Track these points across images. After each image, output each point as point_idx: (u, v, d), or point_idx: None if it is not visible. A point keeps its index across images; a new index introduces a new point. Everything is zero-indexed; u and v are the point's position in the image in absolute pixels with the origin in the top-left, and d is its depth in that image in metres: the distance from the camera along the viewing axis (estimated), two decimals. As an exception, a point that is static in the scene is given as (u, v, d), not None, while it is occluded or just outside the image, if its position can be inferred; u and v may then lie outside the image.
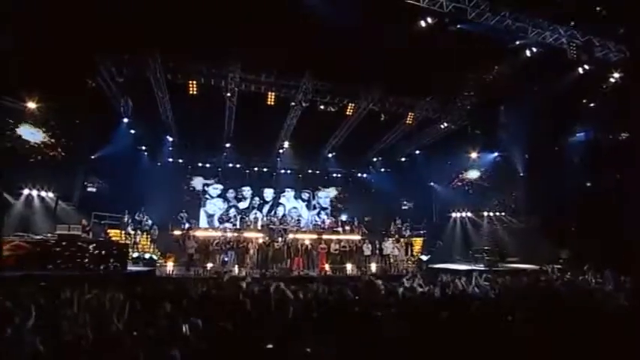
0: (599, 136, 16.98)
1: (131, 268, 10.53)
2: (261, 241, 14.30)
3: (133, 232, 13.30)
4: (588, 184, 17.92)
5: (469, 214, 19.13)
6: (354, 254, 15.03)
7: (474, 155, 18.96)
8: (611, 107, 14.47)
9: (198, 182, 18.54)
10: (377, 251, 15.15)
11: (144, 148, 16.38)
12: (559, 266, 9.96)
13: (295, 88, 13.42)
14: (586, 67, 11.36)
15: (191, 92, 12.13)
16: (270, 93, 13.03)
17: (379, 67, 12.29)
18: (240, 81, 12.69)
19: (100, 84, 11.95)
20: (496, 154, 18.53)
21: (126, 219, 13.41)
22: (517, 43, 10.25)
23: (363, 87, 13.73)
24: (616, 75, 12.16)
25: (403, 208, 21.12)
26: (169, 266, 12.32)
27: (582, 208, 17.55)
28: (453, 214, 19.57)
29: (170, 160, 17.41)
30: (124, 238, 12.97)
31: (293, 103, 13.60)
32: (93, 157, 14.34)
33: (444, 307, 5.14)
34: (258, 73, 12.74)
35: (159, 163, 16.97)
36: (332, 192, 21.80)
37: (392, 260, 14.70)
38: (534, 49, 10.38)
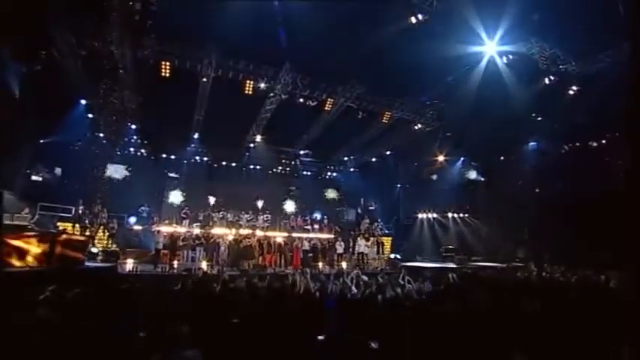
0: (548, 147, 18.54)
1: (89, 264, 9.41)
2: (230, 237, 13.62)
3: (89, 226, 11.98)
4: (537, 190, 19.47)
5: (435, 215, 19.82)
6: (326, 252, 14.85)
7: (440, 158, 19.74)
8: (562, 120, 15.74)
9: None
10: (350, 249, 15.12)
11: (102, 135, 14.87)
12: (528, 263, 10.53)
13: (274, 79, 12.99)
14: (552, 77, 12.14)
15: (163, 74, 11.20)
16: (248, 81, 12.44)
17: (361, 63, 12.32)
18: (217, 66, 11.98)
19: (55, 55, 10.57)
20: (462, 158, 19.42)
21: (80, 211, 12.05)
22: (496, 49, 10.69)
23: (342, 83, 13.63)
24: (574, 88, 13.14)
25: (370, 208, 21.36)
26: (129, 263, 11.27)
27: (535, 211, 19.03)
28: (420, 215, 20.17)
29: (132, 149, 16.01)
30: (78, 232, 11.63)
31: (272, 94, 13.13)
32: (42, 141, 12.76)
33: (448, 300, 5.11)
34: (236, 59, 12.14)
35: (119, 153, 15.53)
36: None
37: (366, 259, 14.73)
38: (510, 57, 10.90)
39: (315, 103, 13.70)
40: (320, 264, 14.27)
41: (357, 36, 10.98)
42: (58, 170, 13.97)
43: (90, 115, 13.54)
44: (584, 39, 11.00)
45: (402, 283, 7.42)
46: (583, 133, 16.79)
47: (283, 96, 12.99)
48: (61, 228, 11.40)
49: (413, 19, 9.51)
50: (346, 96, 14.09)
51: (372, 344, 2.55)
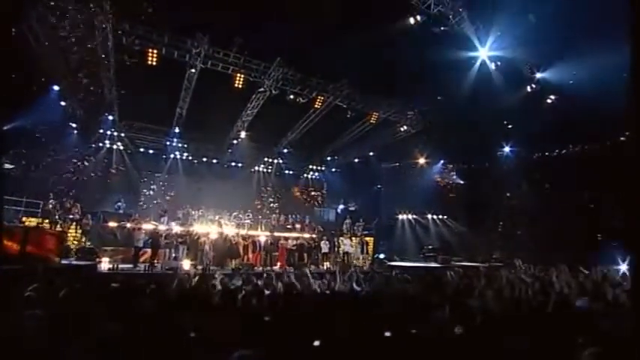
0: (519, 153, 19.51)
1: (65, 262, 8.68)
2: (214, 235, 13.12)
3: (60, 222, 11.06)
4: (508, 194, 20.44)
5: (414, 216, 20.21)
6: (311, 251, 14.69)
7: (422, 161, 20.18)
8: (534, 127, 16.54)
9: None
10: (335, 249, 15.06)
11: (74, 125, 13.85)
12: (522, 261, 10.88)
13: (264, 74, 12.68)
14: (533, 85, 12.70)
15: (150, 62, 10.59)
16: (238, 75, 12.06)
17: (353, 62, 12.30)
18: (205, 57, 11.52)
19: (26, 34, 9.68)
20: (442, 161, 19.94)
21: (50, 206, 11.10)
22: (486, 55, 11.02)
23: (333, 81, 13.55)
24: (552, 97, 13.79)
25: (351, 208, 21.43)
26: (105, 261, 10.54)
27: (507, 213, 19.99)
28: (400, 216, 20.48)
29: (107, 142, 15.03)
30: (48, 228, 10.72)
31: (262, 89, 12.80)
32: (5, 127, 11.63)
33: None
34: (227, 51, 11.74)
35: (93, 145, 14.52)
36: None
37: (352, 258, 14.73)
38: (498, 63, 11.28)
39: (305, 101, 13.50)
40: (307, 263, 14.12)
41: (352, 34, 10.97)
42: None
43: (63, 103, 12.55)
44: (566, 47, 11.60)
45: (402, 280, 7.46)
46: (555, 141, 17.78)
47: (274, 91, 12.68)
48: (29, 223, 10.49)
49: (411, 20, 9.59)
50: (336, 94, 14.03)
51: (457, 329, 2.46)
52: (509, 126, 17.41)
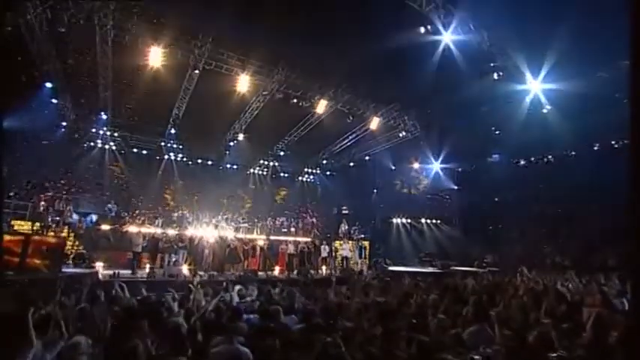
0: (505, 160, 20.07)
1: (66, 269, 8.23)
2: (212, 240, 12.81)
3: (52, 225, 10.51)
4: (496, 199, 20.98)
5: (408, 220, 20.41)
6: (311, 255, 14.57)
7: (416, 166, 20.41)
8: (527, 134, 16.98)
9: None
10: (334, 253, 14.98)
11: (65, 124, 13.23)
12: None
13: (267, 76, 12.50)
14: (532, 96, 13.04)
15: (152, 62, 10.25)
16: (242, 77, 11.84)
17: (355, 67, 12.31)
18: (209, 58, 11.25)
19: (21, 27, 9.19)
20: (438, 166, 20.21)
21: (42, 208, 10.55)
22: (492, 64, 11.24)
23: (335, 85, 13.52)
24: (548, 107, 14.18)
25: (344, 212, 21.41)
26: (99, 267, 10.10)
27: (494, 218, 20.49)
28: (394, 220, 20.63)
29: (99, 142, 14.44)
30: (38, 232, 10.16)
31: (265, 92, 12.61)
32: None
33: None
34: (230, 53, 11.51)
35: (85, 145, 13.92)
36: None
37: (351, 262, 14.69)
38: (501, 73, 11.51)
39: (308, 104, 13.40)
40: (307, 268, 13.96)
41: (357, 40, 10.96)
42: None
43: (54, 101, 11.97)
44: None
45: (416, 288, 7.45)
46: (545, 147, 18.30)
47: (277, 95, 12.52)
48: (19, 227, 9.94)
49: (422, 30, 9.68)
50: (337, 99, 13.99)
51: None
52: (497, 132, 17.88)
